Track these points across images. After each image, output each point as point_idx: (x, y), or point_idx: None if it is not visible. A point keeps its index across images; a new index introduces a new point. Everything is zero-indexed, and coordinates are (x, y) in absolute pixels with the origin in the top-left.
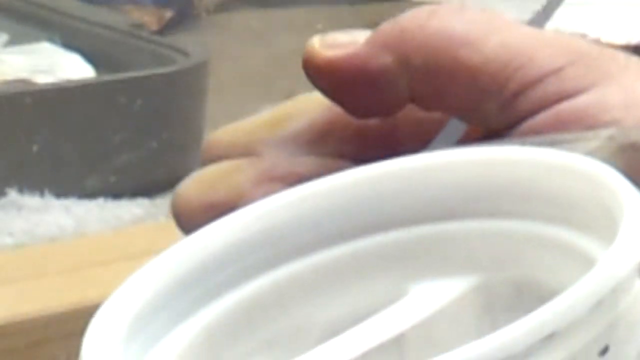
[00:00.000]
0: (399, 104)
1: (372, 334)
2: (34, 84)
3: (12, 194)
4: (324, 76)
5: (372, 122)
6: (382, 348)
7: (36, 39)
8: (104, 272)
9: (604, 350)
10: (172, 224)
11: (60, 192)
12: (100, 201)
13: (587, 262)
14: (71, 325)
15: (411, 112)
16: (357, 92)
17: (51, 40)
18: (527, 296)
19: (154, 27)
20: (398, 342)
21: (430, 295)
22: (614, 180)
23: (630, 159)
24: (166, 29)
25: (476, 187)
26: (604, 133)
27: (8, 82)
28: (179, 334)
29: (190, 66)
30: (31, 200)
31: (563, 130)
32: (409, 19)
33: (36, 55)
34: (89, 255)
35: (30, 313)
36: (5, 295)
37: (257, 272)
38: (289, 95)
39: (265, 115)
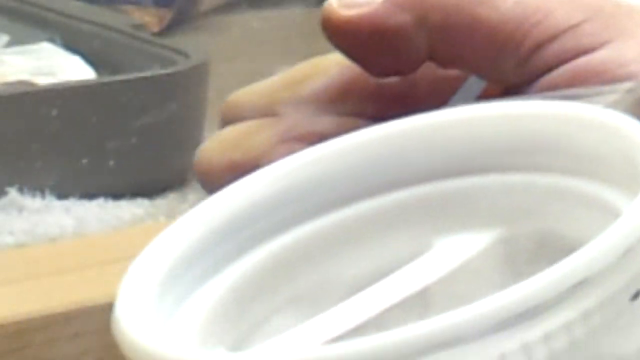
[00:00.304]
0: (417, 62)
1: (397, 289)
2: (35, 85)
3: (13, 194)
4: (343, 35)
5: (391, 80)
6: (406, 302)
7: (37, 39)
8: (104, 272)
9: (635, 296)
10: (172, 224)
11: (61, 193)
12: (101, 201)
13: (609, 213)
14: (72, 325)
15: (429, 70)
16: (375, 51)
17: (52, 40)
18: (549, 248)
19: (155, 28)
20: (422, 296)
21: (454, 249)
22: (635, 131)
23: None
24: (167, 29)
25: (498, 141)
26: (622, 86)
27: (9, 84)
28: (208, 290)
29: (191, 67)
30: (32, 201)
31: (580, 85)
32: None
33: (37, 56)
34: (90, 255)
35: (30, 313)
36: (5, 295)
37: (282, 229)
38: None
39: (284, 76)
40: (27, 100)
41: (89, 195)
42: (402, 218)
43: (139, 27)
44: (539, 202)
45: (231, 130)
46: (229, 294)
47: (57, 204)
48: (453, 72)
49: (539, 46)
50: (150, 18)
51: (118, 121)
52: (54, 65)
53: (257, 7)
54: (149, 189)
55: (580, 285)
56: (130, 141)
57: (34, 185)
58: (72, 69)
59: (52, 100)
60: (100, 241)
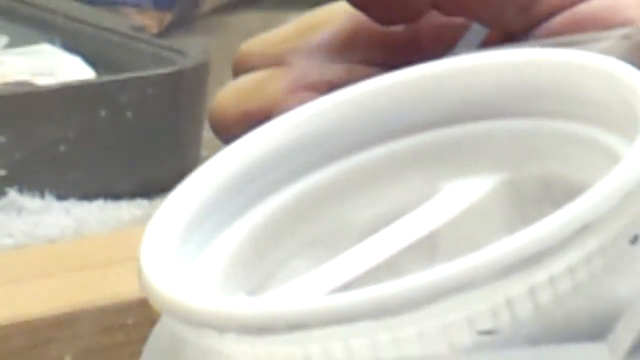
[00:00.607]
0: (422, 10)
1: (407, 232)
2: (35, 86)
3: (12, 195)
4: None
5: (396, 28)
6: (416, 244)
7: (36, 41)
8: (103, 273)
9: (635, 240)
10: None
11: (60, 193)
12: (100, 202)
13: (611, 157)
14: (72, 326)
15: (433, 18)
16: (382, 0)
17: (51, 42)
18: (554, 190)
19: (155, 29)
20: (431, 238)
21: (462, 192)
22: (632, 77)
23: None
24: (167, 31)
25: (502, 88)
26: (619, 32)
27: (9, 84)
28: (227, 238)
29: (190, 67)
30: (31, 201)
31: (579, 31)
32: None
33: (36, 57)
34: (89, 256)
35: (30, 314)
36: (5, 296)
37: (298, 177)
38: None
39: (294, 25)
40: (26, 101)
41: (89, 196)
42: (411, 164)
43: (139, 29)
44: (543, 147)
45: (243, 81)
46: (248, 241)
47: (57, 205)
48: (456, 20)
49: None
50: (150, 20)
51: (117, 121)
52: (54, 66)
53: (256, 8)
54: (148, 190)
55: (582, 230)
56: (130, 141)
57: (34, 186)
58: (72, 70)
59: (52, 101)
60: (99, 242)
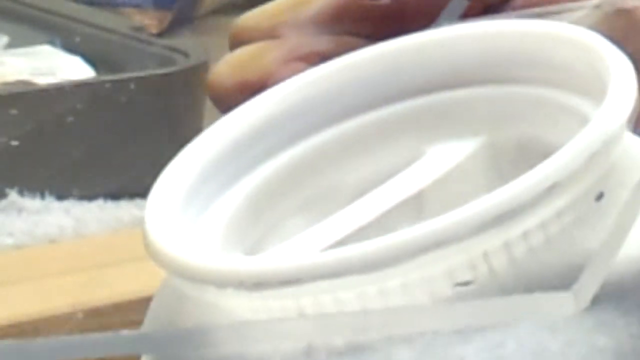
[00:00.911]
0: None
1: (396, 192)
2: (35, 85)
3: (13, 195)
4: None
5: (383, 2)
6: (404, 204)
7: (37, 41)
8: (103, 273)
9: (600, 196)
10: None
11: (60, 193)
12: (100, 202)
13: (581, 119)
14: (72, 325)
15: None
16: None
17: (52, 42)
18: (529, 151)
19: (155, 30)
20: (418, 199)
21: (445, 155)
22: (601, 45)
23: (615, 24)
24: (167, 31)
25: (481, 57)
26: (589, 3)
27: (9, 84)
28: (228, 199)
29: (190, 66)
30: (31, 201)
31: (553, 3)
32: None
33: (37, 57)
34: (89, 256)
35: (30, 314)
36: (5, 296)
37: (293, 142)
38: None
39: (286, 1)
40: (26, 100)
41: (89, 196)
42: (397, 129)
43: (139, 29)
44: (518, 111)
45: (240, 53)
46: (246, 203)
47: (57, 205)
48: None
49: None
50: (150, 20)
51: (117, 121)
52: (54, 66)
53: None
54: (148, 190)
55: (552, 188)
56: (129, 141)
57: (34, 186)
58: (72, 69)
59: (52, 100)
60: (99, 242)
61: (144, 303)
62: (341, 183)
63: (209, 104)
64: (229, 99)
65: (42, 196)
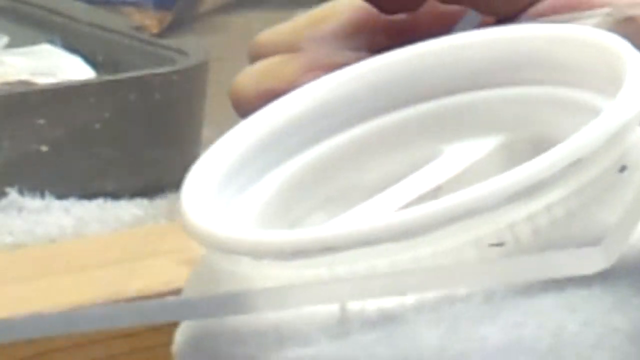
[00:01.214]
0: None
1: (413, 189)
2: (35, 85)
3: (13, 195)
4: None
5: (398, 16)
6: (421, 200)
7: (37, 41)
8: (104, 272)
9: (623, 169)
10: (171, 225)
11: (61, 193)
12: (100, 202)
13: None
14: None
15: (431, 6)
16: None
17: (52, 42)
18: (544, 151)
19: (155, 29)
20: (435, 195)
21: (462, 154)
22: (616, 44)
23: (624, 31)
24: (167, 31)
25: (498, 60)
26: (601, 11)
27: (9, 84)
28: (257, 190)
29: (191, 66)
30: (31, 201)
31: (563, 13)
32: None
33: (37, 57)
34: (89, 255)
35: (30, 313)
36: (5, 295)
37: (317, 140)
38: None
39: (304, 17)
40: (27, 100)
41: (89, 195)
42: (416, 130)
43: (139, 28)
44: (534, 111)
45: (261, 64)
46: (275, 195)
47: (57, 204)
48: (450, 9)
49: None
50: (150, 20)
51: (117, 121)
52: (54, 66)
53: (256, 8)
54: (148, 190)
55: (575, 164)
56: (130, 141)
57: (34, 185)
58: (72, 69)
59: (52, 100)
60: (100, 242)
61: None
62: (362, 181)
63: (208, 104)
64: (251, 107)
65: (42, 195)
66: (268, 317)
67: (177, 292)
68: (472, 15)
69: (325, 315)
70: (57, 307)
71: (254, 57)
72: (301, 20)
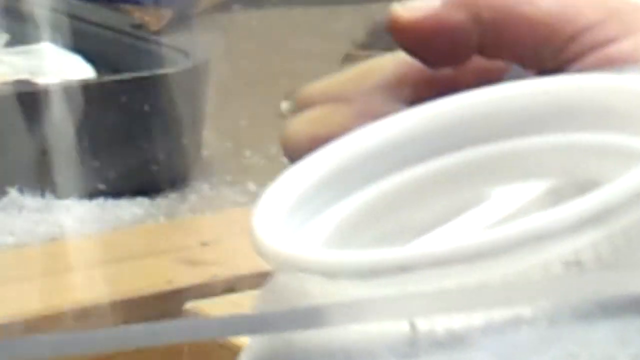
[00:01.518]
0: (469, 55)
1: (462, 230)
2: (35, 85)
3: (13, 194)
4: (408, 35)
5: (442, 72)
6: None
7: (37, 39)
8: (104, 271)
9: None
10: (172, 224)
11: (61, 192)
12: (101, 201)
13: None
14: (72, 324)
15: (475, 60)
16: (434, 47)
17: (52, 40)
18: None
19: (155, 27)
20: None
21: (510, 198)
22: None
23: None
24: (167, 28)
25: (547, 107)
26: None
27: (9, 83)
28: (319, 224)
29: (191, 67)
30: (32, 200)
31: (608, 68)
32: None
33: (37, 55)
34: (90, 254)
35: (31, 312)
36: (6, 294)
37: (372, 181)
38: (290, 94)
39: (351, 71)
40: (27, 100)
41: (89, 194)
42: (466, 172)
43: (139, 26)
44: (583, 157)
45: (312, 112)
46: (335, 230)
47: (57, 204)
48: (490, 64)
49: (573, 37)
50: (149, 17)
51: (118, 120)
52: (54, 65)
53: (254, 6)
54: (149, 189)
55: (636, 196)
56: (130, 140)
57: (35, 185)
58: (73, 69)
59: (53, 100)
60: (100, 241)
61: (144, 301)
62: (412, 221)
63: (209, 104)
64: (303, 152)
65: (43, 195)
66: (336, 337)
67: (177, 291)
68: (517, 70)
69: (395, 335)
70: (58, 305)
71: (303, 107)
72: (349, 73)
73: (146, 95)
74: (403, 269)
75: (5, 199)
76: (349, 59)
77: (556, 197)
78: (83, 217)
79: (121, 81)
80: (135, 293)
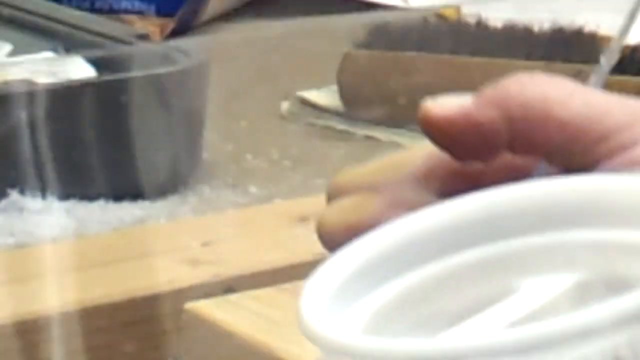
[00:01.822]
0: (499, 151)
1: (491, 321)
2: (35, 84)
3: (14, 195)
4: (440, 130)
5: (474, 167)
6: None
7: (40, 49)
8: (105, 273)
9: None
10: (172, 226)
11: (62, 194)
12: (101, 203)
13: None
14: (73, 325)
15: (501, 157)
16: (465, 143)
17: (55, 50)
18: (617, 293)
19: (157, 37)
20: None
21: (538, 291)
22: None
23: None
24: (169, 39)
25: (576, 204)
26: None
27: (10, 83)
28: (357, 312)
29: (191, 66)
30: (32, 202)
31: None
32: (512, 83)
33: (39, 64)
34: (90, 256)
35: (31, 313)
36: (6, 296)
37: (405, 271)
38: (289, 94)
39: (382, 161)
40: (28, 100)
41: (90, 196)
42: (496, 265)
43: (142, 36)
44: (611, 253)
45: (346, 201)
46: (374, 315)
47: (58, 205)
48: (518, 160)
49: (602, 139)
50: (152, 28)
51: (119, 121)
52: (55, 65)
53: (256, 16)
54: (150, 191)
55: None
56: (130, 141)
57: (35, 186)
58: (73, 68)
59: (53, 100)
60: (101, 242)
61: (144, 303)
62: (444, 310)
63: (210, 105)
64: (338, 239)
65: (44, 196)
66: None
67: (178, 291)
68: (545, 167)
69: None
70: (59, 307)
71: (335, 195)
72: (380, 163)
73: (147, 95)
74: (447, 358)
75: (6, 200)
76: (348, 58)
77: (584, 291)
78: (84, 218)
79: (122, 80)
80: (136, 293)
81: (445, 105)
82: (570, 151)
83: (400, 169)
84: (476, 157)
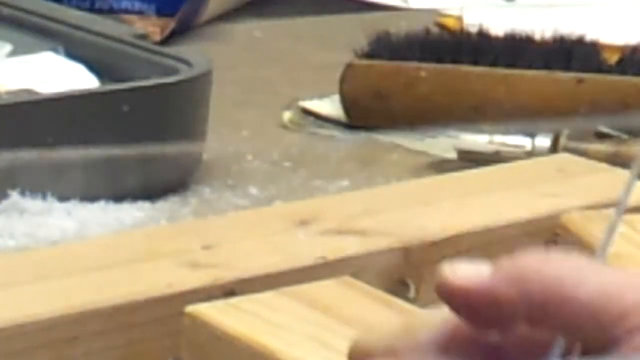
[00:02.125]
0: (515, 324)
1: None
2: (38, 94)
3: (14, 197)
4: (457, 299)
5: (490, 338)
6: None
7: (40, 49)
8: (105, 275)
9: None
10: (173, 228)
11: (62, 195)
12: (102, 204)
13: None
14: (73, 328)
15: (518, 328)
16: (482, 314)
17: (55, 50)
18: None
19: (157, 37)
20: None
21: None
22: None
23: None
24: (169, 39)
25: None
26: None
27: (12, 92)
28: None
29: (194, 76)
30: (33, 203)
31: None
32: (529, 261)
33: (39, 65)
34: (91, 258)
35: (31, 316)
36: (7, 298)
37: None
38: (291, 103)
39: (401, 325)
40: (30, 109)
41: (91, 198)
42: None
43: (142, 36)
44: None
45: None
46: None
47: (59, 207)
48: (541, 332)
49: (619, 318)
50: (153, 27)
51: (121, 130)
52: (57, 74)
53: (257, 16)
54: (150, 192)
55: None
56: (133, 146)
57: (36, 187)
58: (75, 78)
59: (55, 109)
60: (101, 244)
61: (145, 305)
62: None
63: (212, 114)
64: None
65: (44, 198)
66: None
67: (178, 295)
68: (560, 342)
69: None
70: (59, 309)
71: (354, 358)
72: (398, 326)
73: (149, 104)
74: None
75: (6, 202)
76: (350, 68)
77: None
78: (84, 220)
79: (124, 90)
80: (136, 296)
81: (463, 274)
82: (587, 330)
83: (418, 334)
84: (493, 327)
